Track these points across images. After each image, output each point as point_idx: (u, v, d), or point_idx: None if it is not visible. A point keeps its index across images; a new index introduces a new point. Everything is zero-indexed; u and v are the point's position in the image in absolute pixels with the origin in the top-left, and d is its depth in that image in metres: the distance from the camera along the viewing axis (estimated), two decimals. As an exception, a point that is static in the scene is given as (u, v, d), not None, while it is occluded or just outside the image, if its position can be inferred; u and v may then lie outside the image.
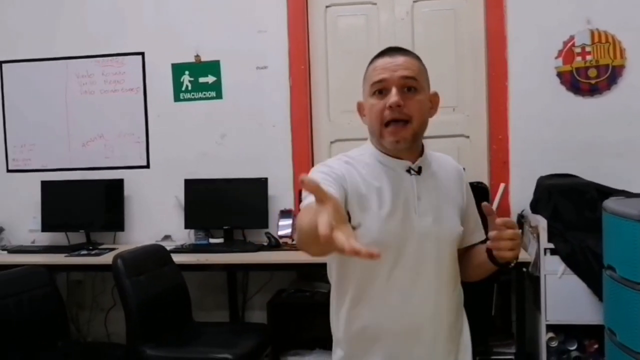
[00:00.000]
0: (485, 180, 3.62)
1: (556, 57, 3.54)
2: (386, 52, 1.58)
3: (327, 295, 3.32)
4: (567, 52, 3.53)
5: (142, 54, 3.95)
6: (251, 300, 3.90)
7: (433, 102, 1.60)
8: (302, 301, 3.52)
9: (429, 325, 1.57)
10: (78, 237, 3.96)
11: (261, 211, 3.73)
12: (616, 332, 2.56)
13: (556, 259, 3.06)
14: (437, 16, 3.73)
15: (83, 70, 4.01)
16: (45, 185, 3.99)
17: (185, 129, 3.93)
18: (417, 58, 1.59)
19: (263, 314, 3.60)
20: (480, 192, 3.09)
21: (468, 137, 3.74)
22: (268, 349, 3.31)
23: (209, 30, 3.88)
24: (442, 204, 1.59)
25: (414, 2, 3.75)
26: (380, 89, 1.53)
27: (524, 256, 3.02)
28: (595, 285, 2.94)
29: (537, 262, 3.09)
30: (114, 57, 3.98)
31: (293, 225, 3.66)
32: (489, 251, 1.53)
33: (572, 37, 3.52)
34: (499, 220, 1.46)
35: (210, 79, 3.89)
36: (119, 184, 3.92)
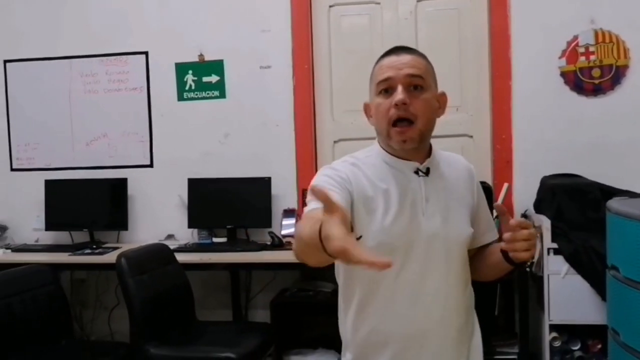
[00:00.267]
0: (488, 180, 3.62)
1: (560, 57, 3.54)
2: (392, 51, 1.56)
3: (330, 294, 3.36)
4: (571, 52, 3.53)
5: (146, 53, 3.96)
6: (254, 299, 3.90)
7: (441, 101, 1.58)
8: (305, 300, 3.53)
9: (437, 329, 1.55)
10: (82, 236, 3.96)
11: (264, 210, 3.74)
12: (620, 332, 2.56)
13: (559, 258, 3.06)
14: (440, 16, 3.73)
15: (87, 70, 4.02)
16: (49, 184, 4.00)
17: (189, 128, 3.94)
18: (424, 57, 1.57)
19: (266, 313, 3.61)
20: (483, 191, 3.07)
21: (471, 136, 3.73)
22: (271, 348, 3.31)
23: (212, 30, 3.88)
24: (451, 205, 1.57)
25: (417, 1, 3.75)
26: (386, 88, 1.51)
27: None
28: (598, 285, 2.94)
29: (540, 262, 3.08)
30: (118, 57, 3.98)
31: (296, 225, 3.66)
32: (504, 252, 1.50)
33: (575, 37, 3.52)
34: (513, 221, 1.43)
35: (214, 78, 3.90)
36: (122, 183, 3.93)
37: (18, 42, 4.09)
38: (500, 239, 1.54)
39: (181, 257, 3.35)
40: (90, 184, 3.99)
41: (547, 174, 3.41)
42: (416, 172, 1.55)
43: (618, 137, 3.48)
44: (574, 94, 3.54)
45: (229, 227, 3.79)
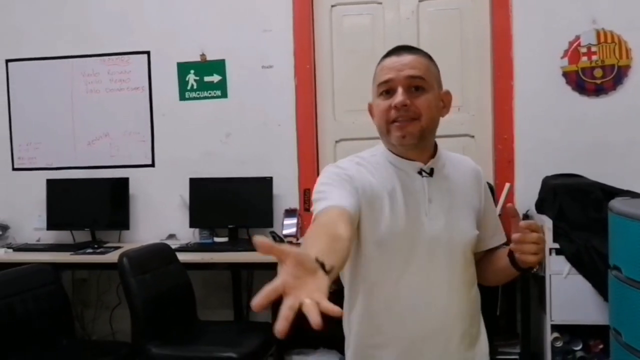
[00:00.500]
0: (490, 180, 3.61)
1: (562, 57, 3.54)
2: (394, 52, 1.54)
3: (333, 295, 3.33)
4: (573, 52, 3.52)
5: (148, 52, 3.96)
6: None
7: (445, 101, 1.55)
8: (306, 300, 3.52)
9: (440, 331, 1.53)
10: (83, 236, 3.97)
11: (266, 210, 3.74)
12: (622, 332, 2.55)
13: (561, 259, 3.06)
14: (442, 16, 3.73)
15: (89, 69, 4.02)
16: (50, 183, 4.00)
17: (191, 128, 3.94)
18: (427, 56, 1.54)
19: (267, 313, 3.59)
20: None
21: (473, 136, 3.73)
22: (272, 347, 3.31)
23: (214, 30, 3.88)
24: (455, 207, 1.54)
25: (419, 1, 3.75)
26: (387, 90, 1.49)
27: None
28: (600, 285, 2.94)
29: (542, 262, 3.08)
30: (120, 56, 3.99)
31: (298, 225, 3.67)
32: (510, 255, 1.48)
33: (577, 37, 3.52)
34: (522, 223, 1.41)
35: (216, 78, 3.90)
36: (124, 182, 3.93)
37: (20, 41, 4.09)
38: (507, 243, 1.52)
39: (182, 257, 3.35)
40: (92, 183, 4.00)
41: (549, 174, 3.41)
42: (420, 173, 1.54)
43: (620, 137, 3.48)
44: (575, 94, 3.54)
45: (231, 226, 3.80)
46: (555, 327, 3.09)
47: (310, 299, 0.87)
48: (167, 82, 3.94)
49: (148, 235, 3.89)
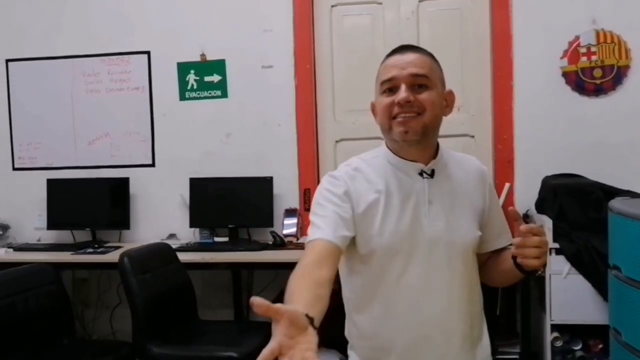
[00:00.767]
0: (490, 180, 3.61)
1: (561, 57, 3.54)
2: (397, 50, 1.54)
3: (332, 295, 3.34)
4: (573, 52, 3.53)
5: (148, 52, 3.97)
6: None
7: (448, 100, 1.55)
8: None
9: (439, 335, 1.52)
10: (83, 235, 3.97)
11: (266, 210, 3.74)
12: (621, 331, 2.56)
13: (561, 258, 3.06)
14: (442, 16, 3.74)
15: (89, 69, 4.02)
16: (51, 183, 4.00)
17: (191, 127, 3.95)
18: (430, 55, 1.55)
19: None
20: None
21: (473, 136, 3.74)
22: (273, 347, 3.31)
23: (214, 30, 3.89)
24: (456, 208, 1.54)
25: (419, 1, 3.75)
26: (390, 87, 1.49)
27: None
28: (600, 285, 2.94)
29: (546, 265, 3.08)
30: (120, 56, 3.99)
31: (298, 224, 3.68)
32: (514, 258, 1.46)
33: (577, 37, 3.52)
34: (523, 227, 1.39)
35: (216, 78, 3.90)
36: (124, 182, 3.93)
37: (20, 41, 4.10)
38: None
39: (183, 257, 3.35)
40: (92, 183, 4.00)
41: (549, 174, 3.41)
42: (420, 174, 1.53)
43: (619, 137, 3.49)
44: (575, 94, 3.54)
45: (231, 226, 3.80)
46: (555, 327, 3.10)
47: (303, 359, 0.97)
48: (167, 82, 3.95)
49: (148, 235, 3.89)
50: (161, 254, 3.27)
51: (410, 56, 1.50)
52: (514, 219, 1.43)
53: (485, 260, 1.63)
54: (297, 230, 3.65)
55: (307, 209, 3.66)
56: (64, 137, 4.07)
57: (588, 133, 3.52)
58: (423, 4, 3.75)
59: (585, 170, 3.40)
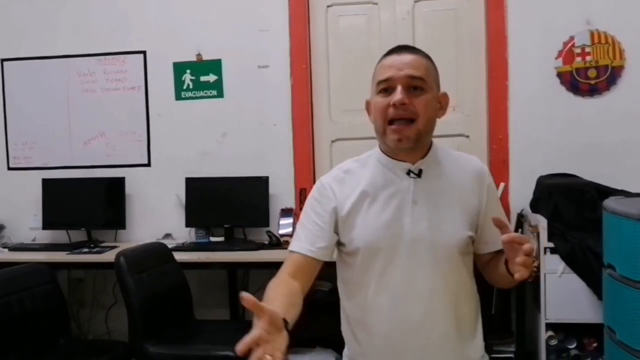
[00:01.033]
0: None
1: (556, 58, 3.56)
2: (395, 50, 1.55)
3: (328, 293, 3.35)
4: (567, 52, 3.55)
5: (144, 52, 3.96)
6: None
7: (442, 102, 1.57)
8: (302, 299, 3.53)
9: (419, 331, 1.54)
10: (79, 235, 3.96)
11: (262, 210, 3.75)
12: (615, 330, 2.58)
13: (556, 258, 3.07)
14: (438, 16, 3.75)
15: (85, 69, 4.02)
16: (46, 183, 4.00)
17: (187, 127, 3.95)
18: (427, 57, 1.56)
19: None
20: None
21: (468, 136, 3.75)
22: (269, 347, 3.31)
23: (210, 29, 3.89)
24: (443, 208, 1.54)
25: (414, 1, 3.76)
26: (386, 88, 1.51)
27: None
28: (594, 284, 2.96)
29: (536, 272, 3.10)
30: (116, 56, 3.99)
31: (294, 224, 3.67)
32: (506, 264, 1.45)
33: (572, 38, 3.54)
34: (504, 237, 1.37)
35: (212, 77, 3.90)
36: (120, 182, 3.93)
37: (16, 40, 4.09)
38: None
39: (178, 256, 3.35)
40: (88, 183, 4.00)
41: (544, 173, 3.43)
42: (408, 173, 1.55)
43: (614, 137, 3.51)
44: (570, 94, 3.56)
45: (227, 226, 3.80)
46: (549, 326, 3.11)
47: (271, 356, 1.12)
48: (163, 82, 3.95)
49: (144, 234, 3.89)
50: (157, 253, 3.26)
51: (407, 57, 1.52)
52: (499, 227, 1.40)
53: (488, 261, 1.62)
54: (293, 230, 3.65)
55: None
56: (60, 136, 4.07)
57: (583, 133, 3.54)
58: (418, 5, 3.76)
59: (580, 170, 3.42)
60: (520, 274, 1.37)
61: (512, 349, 3.27)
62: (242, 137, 3.89)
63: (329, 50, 3.86)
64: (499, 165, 3.64)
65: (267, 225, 3.72)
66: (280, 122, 3.84)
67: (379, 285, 1.54)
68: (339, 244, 1.60)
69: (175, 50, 3.92)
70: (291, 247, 1.59)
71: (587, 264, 3.00)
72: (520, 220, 3.45)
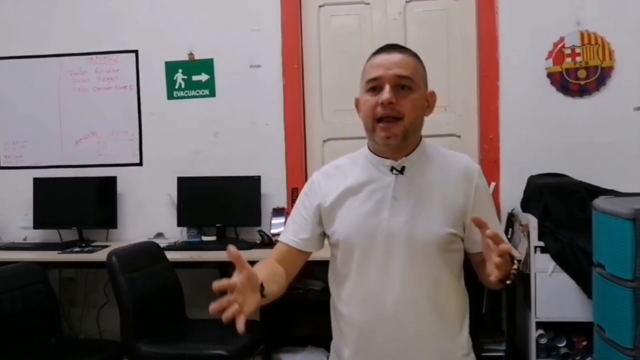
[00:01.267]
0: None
1: (546, 58, 3.58)
2: (384, 49, 1.58)
3: (320, 292, 3.36)
4: (557, 53, 3.57)
5: (136, 51, 3.96)
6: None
7: (430, 101, 1.60)
8: (294, 299, 3.51)
9: (393, 325, 1.56)
10: (70, 235, 3.95)
11: (254, 209, 3.75)
12: (605, 328, 2.60)
13: (546, 257, 3.10)
14: (429, 16, 3.76)
15: (76, 68, 4.01)
16: (37, 182, 3.98)
17: (179, 127, 3.94)
18: (415, 56, 1.59)
19: (255, 311, 3.61)
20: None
21: (459, 136, 3.77)
22: (261, 346, 3.32)
23: (202, 29, 3.89)
24: (423, 204, 1.56)
25: (406, 2, 3.78)
26: (374, 86, 1.54)
27: (514, 254, 3.05)
28: (584, 282, 2.99)
29: (527, 260, 3.12)
30: (108, 55, 3.98)
31: (286, 224, 3.68)
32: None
33: (562, 39, 3.57)
34: (488, 232, 1.36)
35: (204, 77, 3.90)
36: (111, 181, 3.92)
37: (7, 39, 4.07)
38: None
39: (170, 256, 3.35)
40: (79, 182, 3.99)
41: (534, 173, 3.46)
42: (391, 170, 1.59)
43: (603, 138, 3.53)
44: (560, 95, 3.58)
45: (219, 225, 3.81)
46: (540, 324, 3.14)
47: (240, 306, 1.25)
48: (155, 81, 3.94)
49: (136, 234, 3.88)
50: (149, 252, 3.27)
51: (396, 56, 1.55)
52: (478, 226, 1.40)
53: (480, 261, 1.60)
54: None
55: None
56: (51, 135, 4.05)
57: (573, 133, 3.56)
58: (410, 5, 3.78)
59: (570, 169, 3.44)
60: (494, 275, 1.37)
61: (503, 347, 3.29)
62: (234, 137, 3.89)
63: (321, 50, 3.87)
64: (489, 164, 3.66)
65: (259, 224, 3.72)
66: (273, 122, 3.85)
67: (357, 277, 1.59)
68: (327, 236, 1.68)
69: (167, 50, 3.92)
70: (281, 236, 1.71)
71: (577, 263, 3.03)
72: (511, 220, 3.48)
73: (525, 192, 3.39)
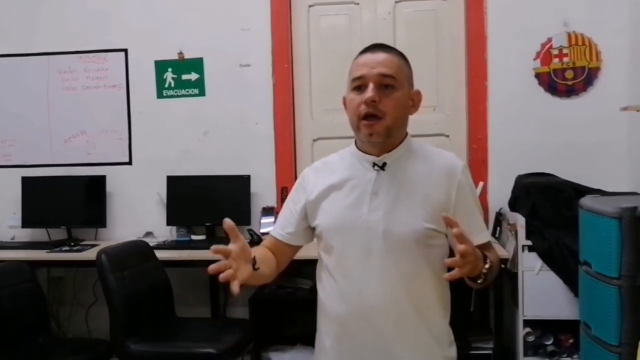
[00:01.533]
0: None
1: (534, 59, 3.61)
2: (370, 49, 1.63)
3: (309, 291, 3.38)
4: (545, 53, 3.60)
5: (125, 50, 3.95)
6: (233, 296, 3.90)
7: (415, 100, 1.64)
8: (283, 297, 3.56)
9: (371, 317, 1.59)
10: (59, 234, 3.94)
11: (244, 208, 3.75)
12: (591, 325, 2.63)
13: (533, 255, 3.13)
14: (418, 17, 3.78)
15: (65, 66, 3.99)
16: (25, 181, 3.96)
17: (168, 126, 3.94)
18: (400, 55, 1.63)
19: (245, 310, 3.62)
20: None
21: (448, 136, 3.79)
22: (250, 344, 3.33)
23: (192, 28, 3.89)
24: (402, 199, 1.59)
25: (395, 2, 3.80)
26: (359, 85, 1.59)
27: (502, 253, 3.08)
28: (571, 281, 3.01)
29: (515, 259, 3.15)
30: (97, 54, 3.97)
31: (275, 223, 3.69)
32: None
33: (549, 39, 3.60)
34: (455, 231, 1.37)
35: (194, 76, 3.90)
36: (101, 180, 3.91)
37: (-5, 37, 4.05)
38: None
39: (160, 255, 3.34)
40: (68, 181, 3.97)
41: (522, 172, 3.48)
42: (374, 166, 1.63)
43: (590, 138, 3.57)
44: (548, 95, 3.62)
45: (208, 224, 3.81)
46: (527, 322, 3.16)
47: (234, 271, 1.39)
48: (144, 80, 3.94)
49: (125, 233, 3.87)
50: (139, 251, 3.26)
51: (380, 56, 1.59)
52: (449, 225, 1.41)
53: None
54: (274, 229, 3.67)
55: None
56: (40, 134, 4.03)
57: (560, 133, 3.60)
58: (399, 5, 3.80)
59: (557, 169, 3.47)
60: (450, 273, 1.39)
61: (490, 345, 3.31)
62: (223, 136, 3.89)
63: (311, 49, 3.88)
64: (478, 164, 3.68)
65: (249, 223, 3.73)
66: (262, 121, 3.85)
67: (337, 270, 1.63)
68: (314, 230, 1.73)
69: (156, 49, 3.91)
70: (272, 228, 1.80)
71: (563, 261, 3.06)
72: (499, 219, 3.51)
73: (513, 192, 3.42)
